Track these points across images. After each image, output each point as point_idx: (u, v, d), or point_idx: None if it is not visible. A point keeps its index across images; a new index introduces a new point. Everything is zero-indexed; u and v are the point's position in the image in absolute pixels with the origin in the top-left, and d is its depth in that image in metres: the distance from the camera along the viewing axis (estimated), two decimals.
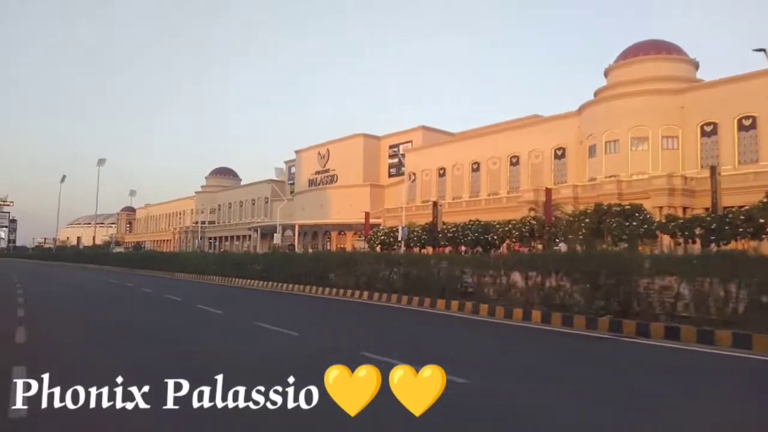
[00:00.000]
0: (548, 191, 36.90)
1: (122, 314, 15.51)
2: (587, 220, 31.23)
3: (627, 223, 29.83)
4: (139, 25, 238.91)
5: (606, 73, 57.91)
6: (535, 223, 35.87)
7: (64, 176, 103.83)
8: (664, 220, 30.97)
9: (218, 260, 33.53)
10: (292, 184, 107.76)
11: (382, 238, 50.36)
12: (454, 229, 40.79)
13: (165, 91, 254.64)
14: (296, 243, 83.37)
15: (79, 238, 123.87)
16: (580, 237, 31.07)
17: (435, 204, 43.18)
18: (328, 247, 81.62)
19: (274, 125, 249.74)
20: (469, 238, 38.42)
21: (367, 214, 54.14)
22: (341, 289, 21.74)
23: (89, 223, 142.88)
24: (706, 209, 40.78)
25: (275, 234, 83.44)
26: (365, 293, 20.10)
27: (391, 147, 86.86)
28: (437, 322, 14.15)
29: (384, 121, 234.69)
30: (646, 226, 30.06)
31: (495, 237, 37.33)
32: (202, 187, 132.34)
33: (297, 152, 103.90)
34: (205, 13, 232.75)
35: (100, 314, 15.18)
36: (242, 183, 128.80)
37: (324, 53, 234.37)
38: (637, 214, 30.53)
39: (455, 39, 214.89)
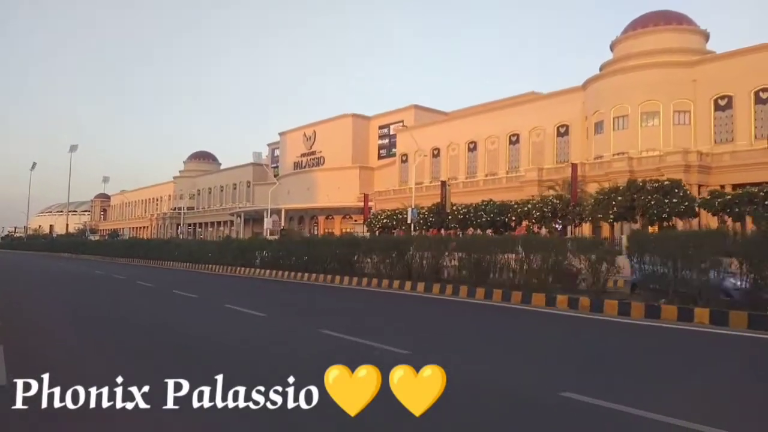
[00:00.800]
0: (574, 167, 34.35)
1: (160, 317, 12.51)
2: (619, 198, 28.71)
3: (666, 200, 27.38)
4: (114, 7, 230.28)
5: (612, 47, 55.48)
6: (558, 202, 33.28)
7: (34, 163, 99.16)
8: (708, 197, 28.60)
9: (220, 248, 30.46)
10: (276, 167, 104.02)
11: (384, 221, 47.47)
12: (465, 210, 38.11)
13: (139, 75, 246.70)
14: (285, 227, 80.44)
15: (51, 227, 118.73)
16: (611, 216, 28.61)
17: (443, 184, 40.41)
18: (316, 232, 78.89)
19: (254, 108, 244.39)
20: (484, 219, 35.75)
21: (366, 197, 51.35)
22: (383, 280, 18.99)
23: (61, 211, 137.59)
24: (722, 187, 38.87)
25: (264, 219, 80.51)
26: (420, 285, 17.26)
27: (380, 128, 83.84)
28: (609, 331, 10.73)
29: (372, 102, 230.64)
30: (687, 203, 27.69)
31: (513, 218, 34.73)
32: (180, 172, 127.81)
33: (281, 134, 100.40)
34: None
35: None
36: (222, 168, 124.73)
37: (307, 32, 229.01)
38: (676, 191, 28.07)
39: (444, 15, 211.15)
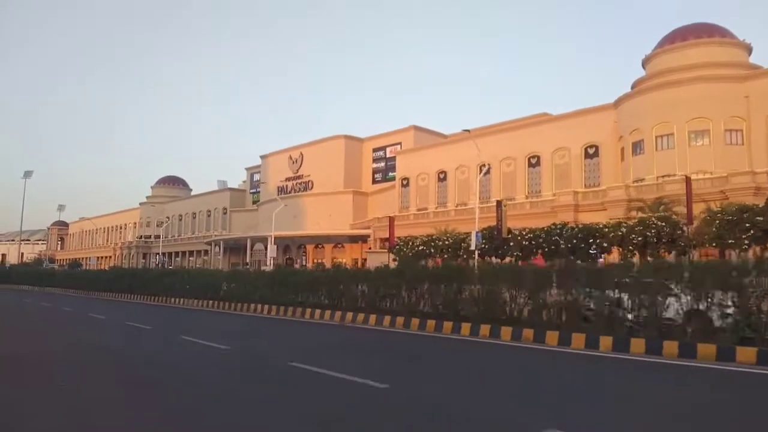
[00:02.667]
0: (688, 180, 28.55)
1: None
2: (761, 218, 23.22)
3: None
4: (70, 24, 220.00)
5: (645, 63, 51.21)
6: (664, 224, 27.61)
7: None
8: None
9: (268, 280, 23.99)
10: (256, 192, 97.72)
11: (420, 248, 41.21)
12: (530, 235, 32.31)
13: (101, 95, 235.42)
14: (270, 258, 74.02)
15: (4, 256, 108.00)
16: (746, 241, 23.21)
17: (499, 204, 34.43)
18: (304, 263, 72.44)
19: (230, 131, 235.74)
20: (562, 246, 29.91)
21: (391, 219, 45.13)
22: (443, 322, 14.11)
23: (13, 240, 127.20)
24: None
25: (248, 248, 73.60)
26: (504, 331, 11.91)
27: (375, 150, 78.97)
28: None
29: (361, 125, 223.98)
30: None
31: (602, 243, 29.01)
32: (147, 197, 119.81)
33: (263, 157, 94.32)
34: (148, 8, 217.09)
35: None
36: (194, 194, 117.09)
37: (293, 49, 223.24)
38: None
39: (440, 37, 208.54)
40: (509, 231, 33.38)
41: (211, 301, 26.97)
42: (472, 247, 32.18)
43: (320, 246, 77.28)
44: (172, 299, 30.05)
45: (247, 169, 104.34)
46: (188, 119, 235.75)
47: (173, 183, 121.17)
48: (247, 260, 75.46)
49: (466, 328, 15.37)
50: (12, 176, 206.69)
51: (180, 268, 50.91)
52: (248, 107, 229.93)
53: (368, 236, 66.70)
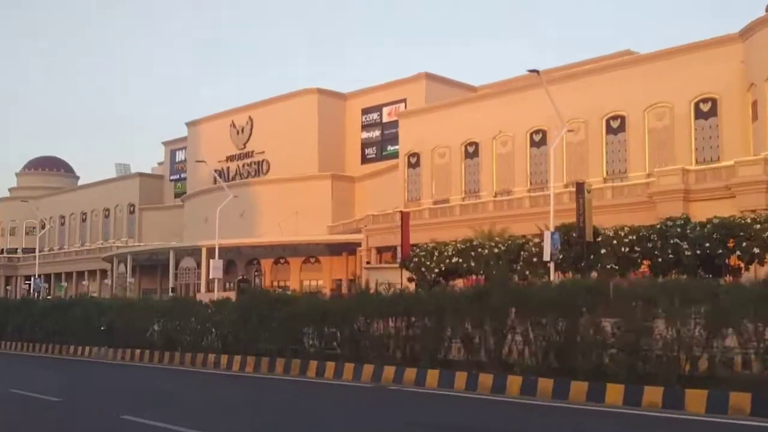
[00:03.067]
0: None
1: None
2: None
3: None
4: None
5: None
6: None
7: None
8: None
9: (235, 315, 24.43)
10: (179, 180, 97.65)
11: (454, 260, 39.41)
12: (631, 237, 30.53)
13: None
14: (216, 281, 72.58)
15: None
16: None
17: (580, 188, 32.83)
18: (260, 285, 71.08)
19: (135, 94, 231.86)
20: (687, 253, 28.19)
21: (404, 216, 43.63)
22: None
23: None
24: None
25: (182, 262, 73.09)
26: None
27: (365, 112, 79.32)
28: None
29: (343, 79, 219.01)
30: None
31: (750, 247, 27.42)
32: (10, 190, 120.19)
33: (191, 125, 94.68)
34: None
35: None
36: (82, 183, 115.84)
37: None
38: None
39: None
40: (595, 231, 31.72)
41: (138, 351, 28.06)
42: (546, 257, 30.67)
43: (282, 261, 76.01)
44: (71, 348, 31.36)
45: (165, 143, 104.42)
46: (72, 75, 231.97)
47: (51, 167, 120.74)
48: (170, 284, 74.01)
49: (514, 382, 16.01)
50: None
51: (80, 296, 49.38)
52: (163, 51, 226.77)
53: (358, 245, 65.67)
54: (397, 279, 39.63)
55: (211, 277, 53.56)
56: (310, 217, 72.37)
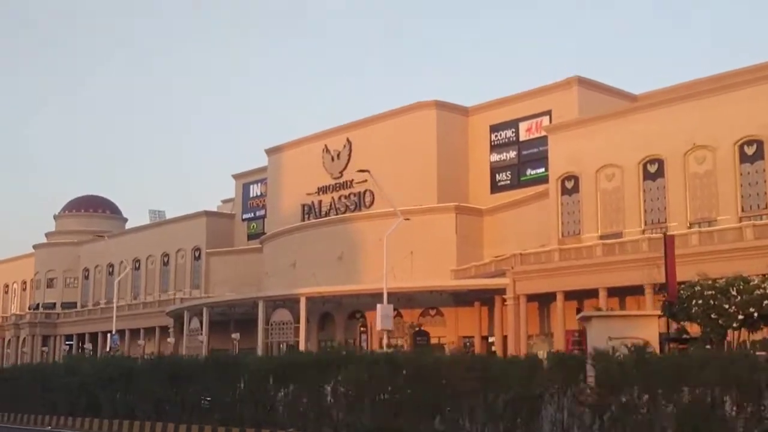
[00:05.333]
0: None
1: None
2: None
3: None
4: None
5: None
6: None
7: None
8: None
9: None
10: (255, 219, 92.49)
11: (716, 302, 29.07)
12: None
13: None
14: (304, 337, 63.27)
15: None
16: None
17: None
18: (365, 346, 63.50)
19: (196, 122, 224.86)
20: None
21: (669, 241, 32.84)
22: None
23: None
24: None
25: (264, 320, 66.25)
26: None
27: (495, 129, 71.39)
28: None
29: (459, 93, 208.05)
30: None
31: None
32: (47, 235, 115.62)
33: (272, 152, 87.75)
34: None
35: None
36: (129, 227, 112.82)
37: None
38: None
39: None
40: None
41: None
42: None
43: (395, 313, 65.22)
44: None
45: (236, 176, 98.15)
46: (122, 105, 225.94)
47: (95, 207, 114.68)
48: (259, 341, 66.57)
49: None
50: None
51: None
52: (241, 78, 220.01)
53: (496, 291, 58.36)
54: (640, 332, 28.20)
55: (379, 328, 48.31)
56: (429, 258, 64.20)
